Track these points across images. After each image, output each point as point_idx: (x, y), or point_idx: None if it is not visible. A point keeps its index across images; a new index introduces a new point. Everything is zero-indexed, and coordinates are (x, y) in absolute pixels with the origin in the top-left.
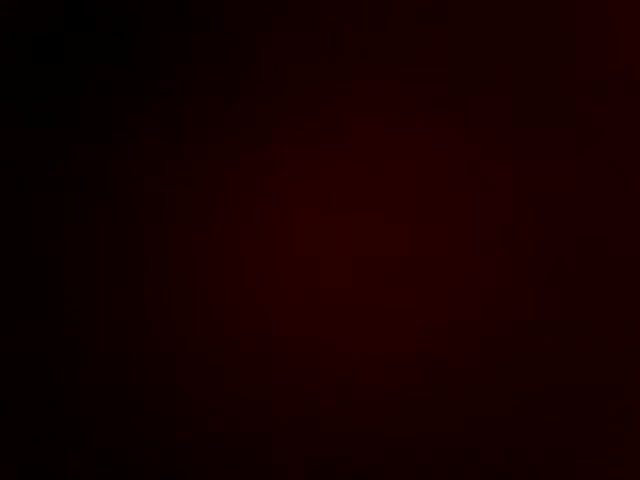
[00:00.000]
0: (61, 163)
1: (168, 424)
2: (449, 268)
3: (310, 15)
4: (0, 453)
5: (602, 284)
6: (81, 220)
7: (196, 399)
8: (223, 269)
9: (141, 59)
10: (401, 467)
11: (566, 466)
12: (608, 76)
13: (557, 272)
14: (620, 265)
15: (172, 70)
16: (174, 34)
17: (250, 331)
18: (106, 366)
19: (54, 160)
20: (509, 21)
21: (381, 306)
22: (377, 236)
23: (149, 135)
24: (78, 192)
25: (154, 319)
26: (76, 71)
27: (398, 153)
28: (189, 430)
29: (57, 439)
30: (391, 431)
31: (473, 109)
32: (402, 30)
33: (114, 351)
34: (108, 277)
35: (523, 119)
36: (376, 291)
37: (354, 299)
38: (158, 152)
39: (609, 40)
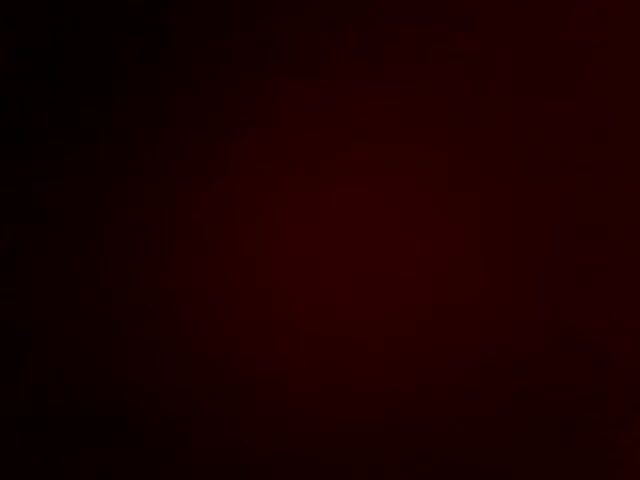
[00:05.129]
0: (61, 164)
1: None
2: (451, 268)
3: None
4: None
5: (604, 288)
6: (83, 221)
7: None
8: (225, 268)
9: (140, 54)
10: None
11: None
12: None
13: (558, 275)
14: (622, 273)
15: (171, 71)
16: (167, 32)
17: (250, 331)
18: (106, 367)
19: (54, 160)
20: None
21: (382, 304)
22: (377, 236)
23: (147, 136)
24: (79, 192)
25: (152, 319)
26: (73, 71)
27: (399, 152)
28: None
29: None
30: (391, 429)
31: (476, 117)
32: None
33: (116, 351)
34: (104, 278)
35: (527, 128)
36: (376, 290)
37: (355, 298)
38: (156, 152)
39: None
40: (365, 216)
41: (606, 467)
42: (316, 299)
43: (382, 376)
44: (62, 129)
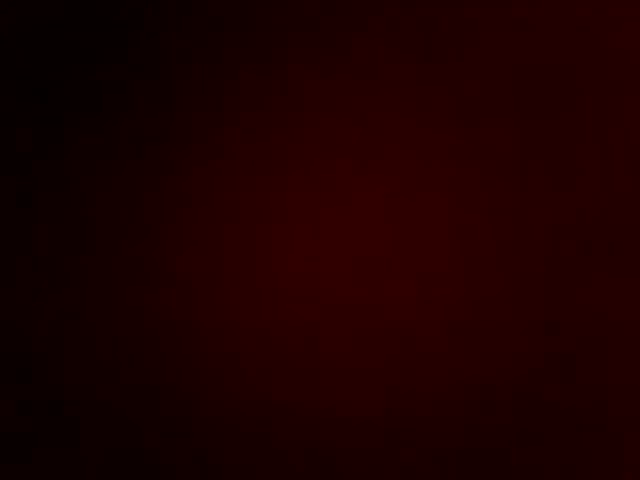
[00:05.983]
0: (63, 163)
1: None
2: (451, 269)
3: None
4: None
5: (605, 287)
6: (82, 221)
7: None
8: (225, 269)
9: (140, 55)
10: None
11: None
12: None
13: (559, 275)
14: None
15: (170, 74)
16: (169, 35)
17: (249, 330)
18: (103, 368)
19: (53, 160)
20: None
21: (382, 304)
22: (376, 237)
23: (147, 136)
24: (80, 192)
25: (152, 317)
26: (73, 70)
27: (395, 154)
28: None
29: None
30: (391, 429)
31: (478, 118)
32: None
33: (115, 351)
34: (102, 277)
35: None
36: (376, 290)
37: (351, 298)
38: (156, 152)
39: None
40: (364, 216)
41: (606, 467)
42: (316, 299)
43: (382, 376)
44: (62, 129)
